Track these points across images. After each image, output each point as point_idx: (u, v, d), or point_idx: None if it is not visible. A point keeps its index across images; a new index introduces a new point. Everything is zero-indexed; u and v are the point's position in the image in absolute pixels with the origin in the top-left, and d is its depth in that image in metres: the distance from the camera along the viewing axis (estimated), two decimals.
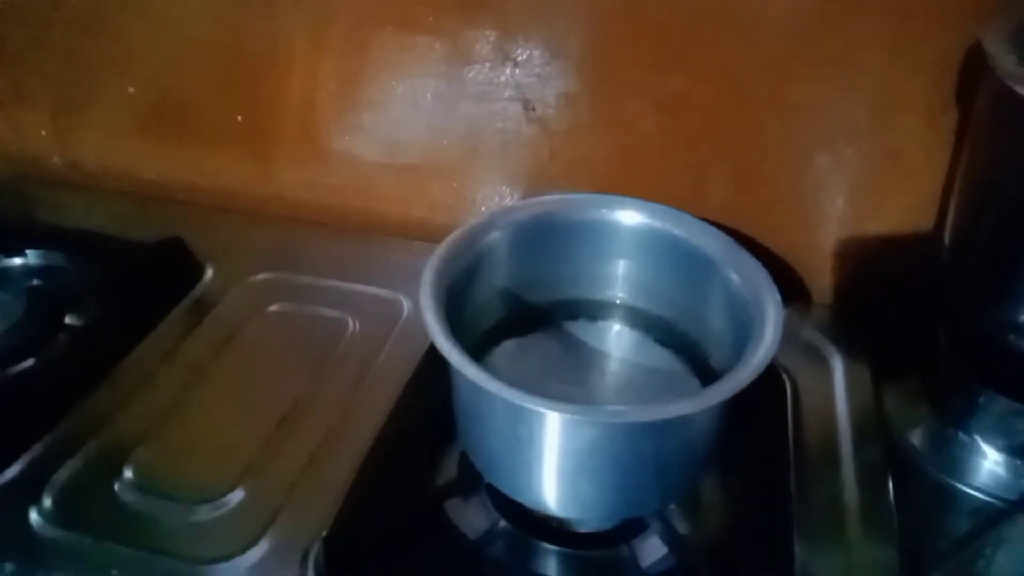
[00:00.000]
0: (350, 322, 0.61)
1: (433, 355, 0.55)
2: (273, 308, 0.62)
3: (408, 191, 0.68)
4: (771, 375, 0.55)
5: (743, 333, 0.42)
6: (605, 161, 0.61)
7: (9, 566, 0.44)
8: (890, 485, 0.49)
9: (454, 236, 0.45)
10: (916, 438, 0.52)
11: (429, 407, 0.51)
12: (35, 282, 0.66)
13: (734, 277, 0.44)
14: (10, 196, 0.75)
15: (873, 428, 0.52)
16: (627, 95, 0.57)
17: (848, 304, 0.61)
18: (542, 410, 0.35)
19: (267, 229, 0.71)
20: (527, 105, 0.60)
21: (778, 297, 0.41)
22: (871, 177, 0.56)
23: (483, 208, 0.66)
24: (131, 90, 0.70)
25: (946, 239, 0.49)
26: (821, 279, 0.62)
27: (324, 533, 0.43)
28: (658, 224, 0.48)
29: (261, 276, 0.65)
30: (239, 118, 0.69)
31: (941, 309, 0.52)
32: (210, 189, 0.73)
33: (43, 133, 0.75)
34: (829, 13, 0.52)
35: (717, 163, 0.59)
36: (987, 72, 0.41)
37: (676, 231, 0.47)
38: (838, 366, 0.57)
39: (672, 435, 0.38)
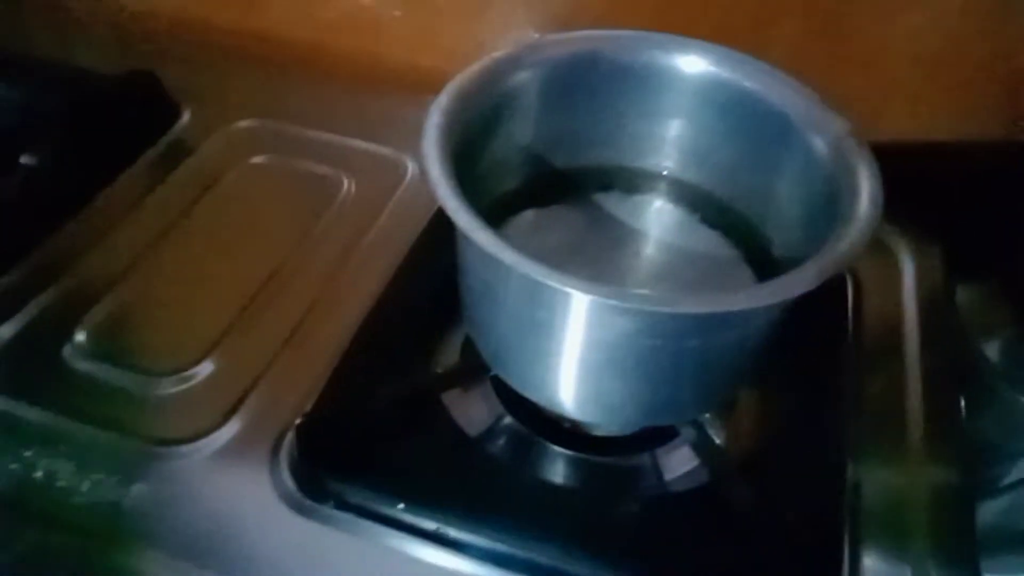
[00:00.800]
0: (345, 182, 0.53)
1: (438, 224, 0.47)
2: (257, 159, 0.54)
3: (417, 32, 0.58)
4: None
5: (822, 215, 0.34)
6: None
7: None
8: (960, 399, 0.42)
9: (470, 71, 0.36)
10: (992, 349, 0.44)
11: (431, 284, 0.43)
12: None
13: (818, 142, 0.35)
14: None
15: (944, 333, 0.45)
16: None
17: (923, 187, 0.52)
18: (568, 290, 0.27)
19: (254, 70, 0.61)
20: None
21: (876, 168, 0.33)
22: (965, 37, 0.46)
23: None
24: None
25: None
26: (892, 160, 0.52)
27: (298, 420, 0.36)
28: (727, 74, 0.38)
29: (245, 123, 0.57)
30: None
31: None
32: (193, 22, 0.63)
33: None
34: None
35: (799, 10, 0.48)
36: None
37: (749, 83, 0.37)
38: (907, 261, 0.49)
39: (722, 332, 0.31)
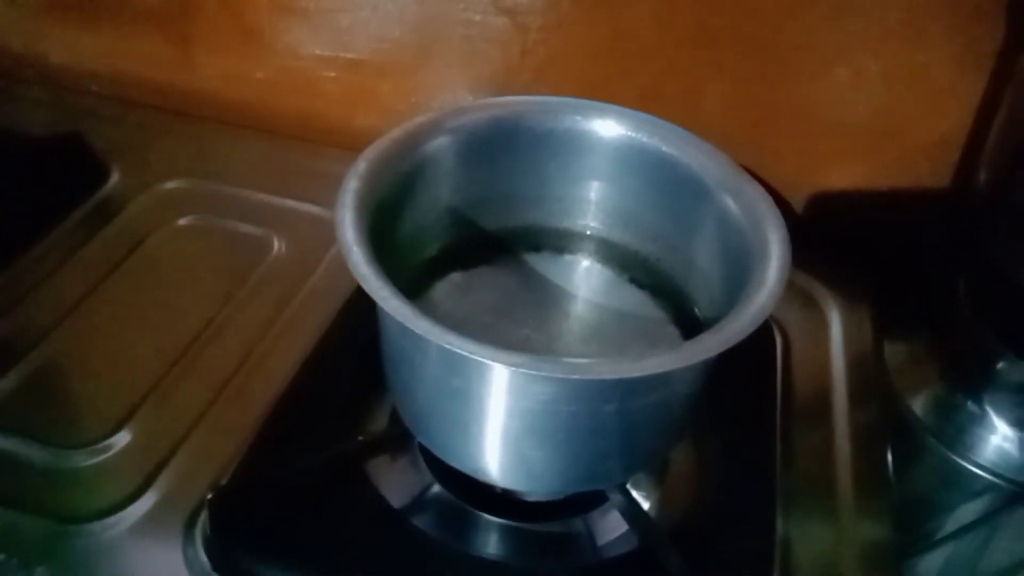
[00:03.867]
0: (275, 242, 0.52)
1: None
2: (184, 220, 0.53)
3: (353, 93, 0.59)
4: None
5: (738, 275, 0.34)
6: (586, 62, 0.52)
7: None
8: (888, 455, 0.42)
9: (388, 137, 0.36)
10: (919, 404, 0.45)
11: (358, 350, 0.43)
12: None
13: (732, 205, 0.35)
14: None
15: (872, 390, 0.46)
16: None
17: (851, 248, 0.53)
18: (479, 359, 0.27)
19: (185, 129, 0.61)
20: None
21: (785, 232, 0.33)
22: (892, 98, 0.48)
23: None
24: None
25: (981, 176, 0.41)
26: (822, 216, 0.54)
27: (210, 494, 0.35)
28: (643, 138, 0.39)
29: (174, 183, 0.56)
30: None
31: (965, 257, 0.45)
32: (124, 80, 0.62)
33: None
34: None
35: (717, 70, 0.50)
36: None
37: (664, 147, 0.38)
38: (835, 318, 0.50)
39: (638, 396, 0.31)
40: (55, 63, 0.64)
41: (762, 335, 0.47)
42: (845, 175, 0.52)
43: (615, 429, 0.32)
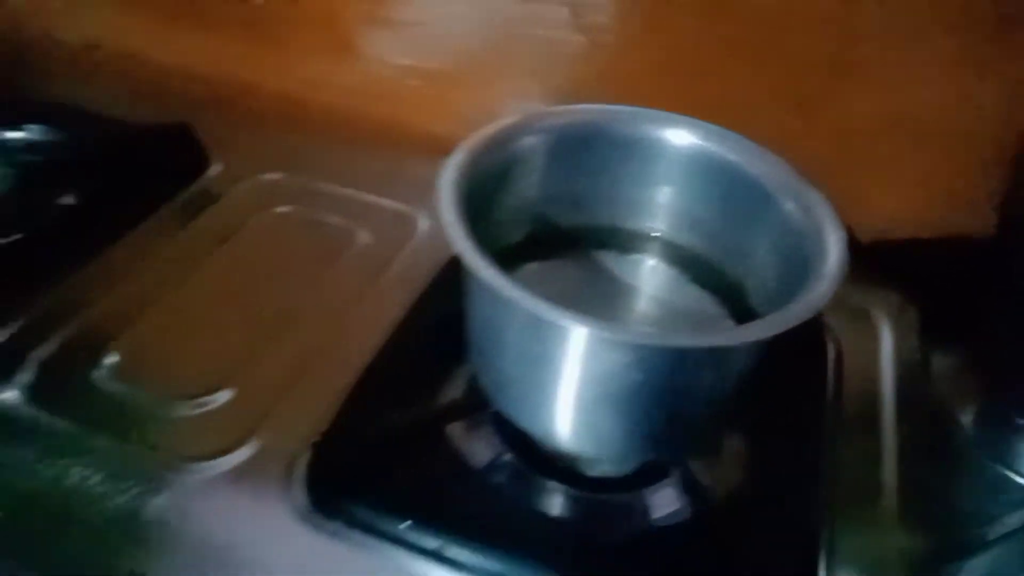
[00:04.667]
0: (359, 233, 0.57)
1: (448, 273, 0.52)
2: (279, 210, 0.58)
3: (432, 101, 0.64)
4: (815, 331, 0.51)
5: (795, 274, 0.38)
6: (655, 79, 0.56)
7: None
8: (932, 464, 0.45)
9: (483, 133, 0.41)
10: (967, 417, 0.47)
11: (439, 327, 0.47)
12: (31, 157, 0.62)
13: (792, 209, 0.39)
14: (15, 70, 0.70)
15: (920, 402, 0.48)
16: (688, 9, 0.52)
17: (902, 266, 0.56)
18: (566, 324, 0.31)
19: (280, 128, 0.66)
20: (575, 10, 0.54)
21: (843, 232, 0.37)
22: (944, 121, 0.51)
23: None
24: None
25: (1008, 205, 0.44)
26: (874, 232, 0.57)
27: (315, 438, 0.39)
28: (712, 147, 0.43)
29: (269, 176, 0.61)
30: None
31: (1009, 272, 0.48)
32: (224, 80, 0.68)
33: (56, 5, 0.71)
34: None
35: (780, 89, 0.54)
36: None
37: (732, 156, 0.42)
38: (885, 332, 0.53)
39: (708, 369, 0.34)
40: (162, 61, 0.70)
41: (816, 341, 0.51)
42: (896, 193, 0.55)
43: (680, 399, 0.36)
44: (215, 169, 0.62)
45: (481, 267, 0.33)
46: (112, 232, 0.55)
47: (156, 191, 0.59)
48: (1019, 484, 0.44)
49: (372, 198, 0.60)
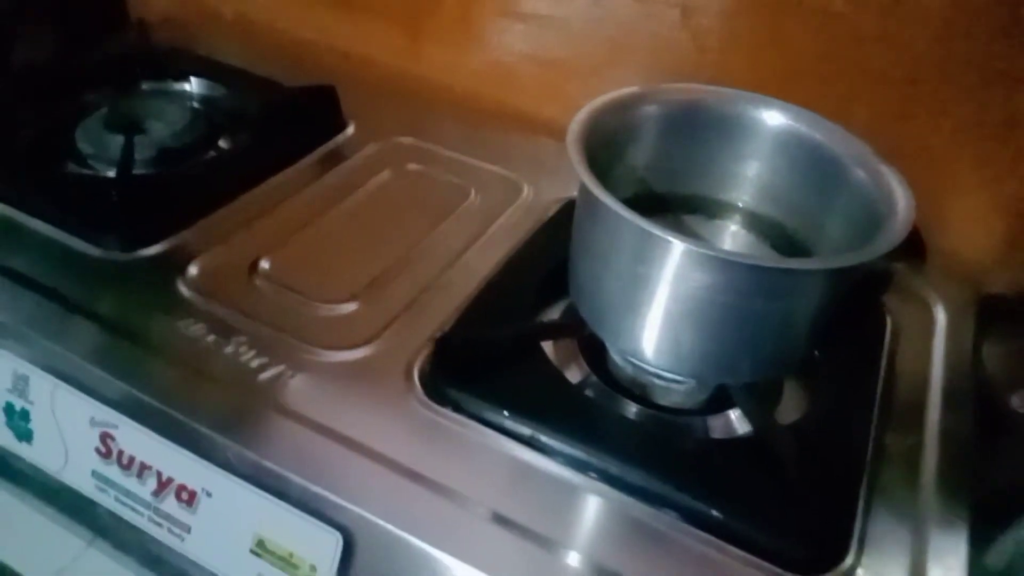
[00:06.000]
0: (472, 192, 0.64)
1: (547, 229, 0.59)
2: (406, 167, 0.66)
3: (545, 87, 0.71)
4: (874, 307, 0.56)
5: (864, 239, 0.43)
6: (752, 81, 0.62)
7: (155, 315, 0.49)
8: (974, 450, 0.48)
9: (608, 96, 0.48)
10: (1016, 401, 0.51)
11: (539, 269, 0.54)
12: (196, 105, 0.72)
13: (865, 177, 0.44)
14: (182, 36, 0.81)
15: (968, 387, 0.52)
16: (787, 15, 0.58)
17: (963, 260, 0.61)
18: (669, 239, 0.37)
19: (408, 100, 0.75)
20: (686, 12, 0.61)
21: (911, 197, 0.42)
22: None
23: None
24: None
25: None
26: (940, 235, 0.62)
27: (437, 335, 0.46)
28: (802, 128, 0.48)
29: (396, 139, 0.69)
30: None
31: None
32: (362, 57, 0.78)
33: None
34: None
35: (868, 96, 0.59)
36: None
37: (816, 135, 0.48)
38: (941, 315, 0.57)
39: (785, 296, 0.40)
40: (307, 38, 0.80)
41: (876, 317, 0.56)
42: (967, 199, 0.60)
43: (754, 324, 0.41)
44: (350, 130, 0.70)
45: (602, 193, 0.40)
46: (264, 173, 0.63)
47: (299, 143, 0.67)
48: None
49: (484, 164, 0.67)
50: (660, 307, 0.41)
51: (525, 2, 0.68)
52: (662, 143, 0.51)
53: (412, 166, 0.67)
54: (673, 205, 0.54)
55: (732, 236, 0.53)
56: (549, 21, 0.68)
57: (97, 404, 0.45)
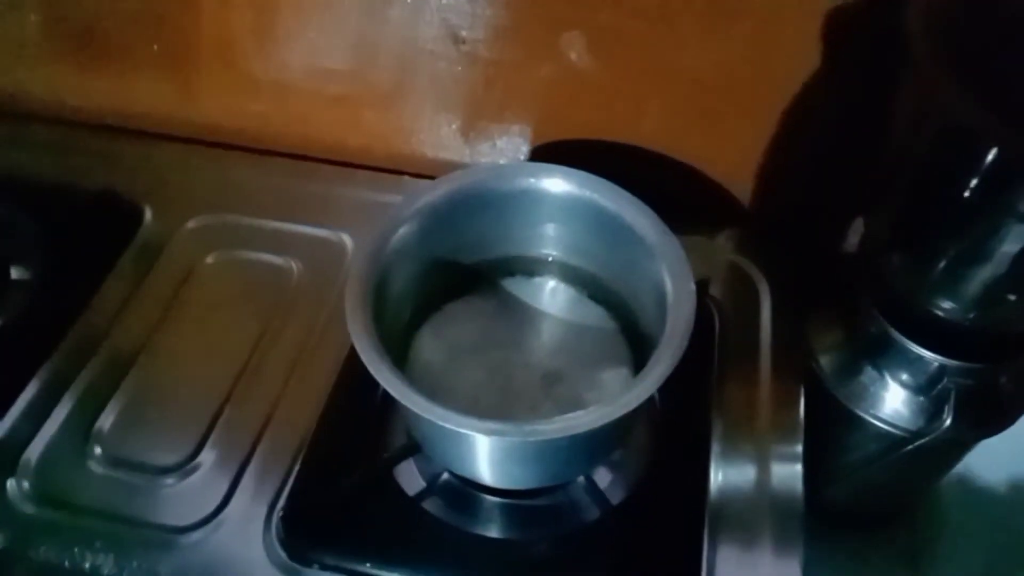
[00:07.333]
0: (293, 267, 0.61)
1: None
2: (211, 258, 0.62)
3: (342, 120, 0.66)
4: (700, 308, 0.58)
5: (663, 303, 0.44)
6: (542, 91, 0.59)
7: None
8: (801, 409, 0.53)
9: (374, 231, 0.46)
10: (828, 364, 0.55)
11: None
12: None
13: (659, 257, 0.44)
14: None
15: (792, 355, 0.56)
16: (558, 30, 0.54)
17: (780, 229, 0.62)
18: (466, 432, 0.38)
19: (200, 160, 0.69)
20: (456, 38, 0.56)
21: (692, 287, 0.43)
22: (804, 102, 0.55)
23: (421, 138, 0.65)
24: (32, 17, 0.65)
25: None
26: (757, 202, 0.62)
27: (279, 511, 0.47)
28: (585, 193, 0.47)
29: (199, 220, 0.64)
30: (155, 47, 0.64)
31: (861, 261, 0.54)
32: (136, 115, 0.70)
33: None
34: None
35: (652, 95, 0.57)
36: None
37: (600, 199, 0.47)
38: (766, 291, 0.59)
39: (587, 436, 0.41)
40: (71, 104, 0.71)
41: (702, 316, 0.57)
42: (773, 168, 0.60)
43: (574, 453, 0.43)
44: (148, 219, 0.65)
45: (404, 393, 0.39)
46: (72, 304, 0.59)
47: (101, 254, 0.62)
48: (872, 423, 0.52)
49: (302, 229, 0.63)
50: (483, 455, 0.43)
51: (282, 47, 0.61)
52: (455, 225, 0.49)
53: (224, 254, 0.62)
54: (491, 272, 0.53)
55: (551, 293, 0.53)
56: (317, 61, 0.62)
57: None
